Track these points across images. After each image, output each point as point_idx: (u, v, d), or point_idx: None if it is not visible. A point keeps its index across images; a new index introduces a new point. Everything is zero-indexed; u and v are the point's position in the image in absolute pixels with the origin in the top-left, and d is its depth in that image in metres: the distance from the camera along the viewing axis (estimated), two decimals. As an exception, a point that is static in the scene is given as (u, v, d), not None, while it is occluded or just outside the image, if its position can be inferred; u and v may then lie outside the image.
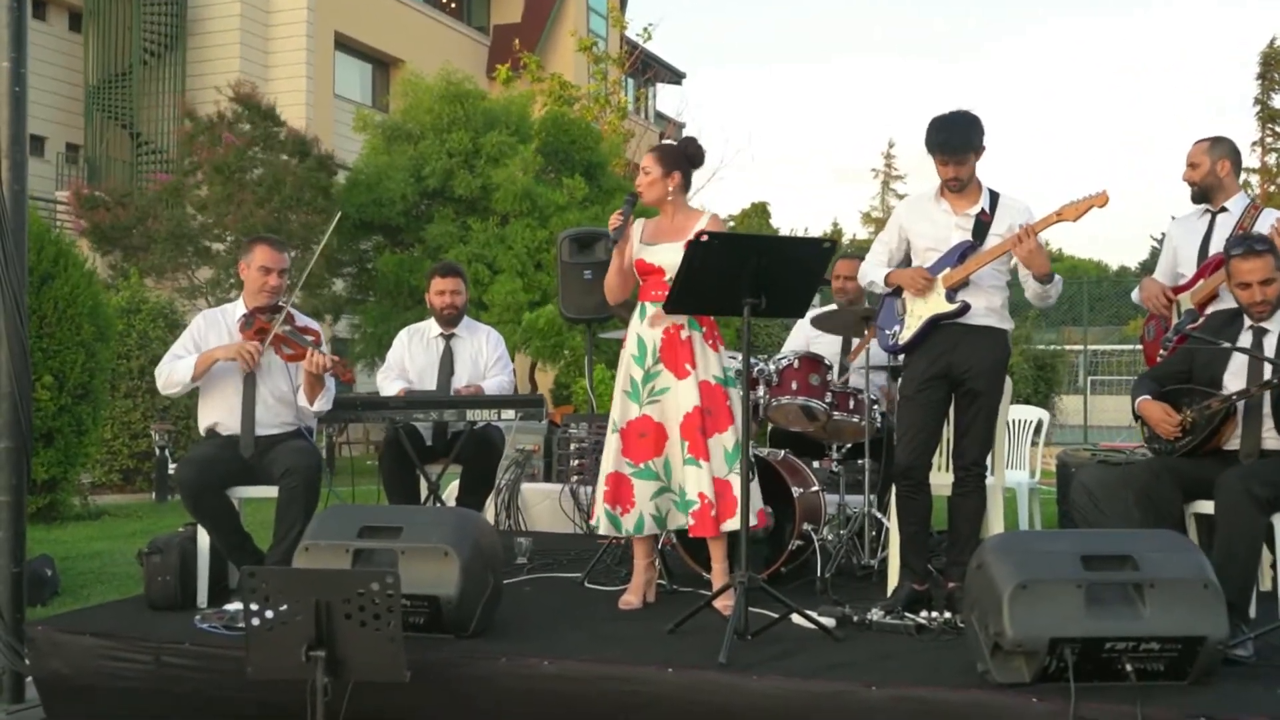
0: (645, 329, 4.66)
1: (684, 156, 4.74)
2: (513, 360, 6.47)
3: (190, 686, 4.07)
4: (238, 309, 5.15)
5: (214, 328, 5.13)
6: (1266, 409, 4.29)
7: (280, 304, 5.10)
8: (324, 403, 5.09)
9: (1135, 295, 5.44)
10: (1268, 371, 4.25)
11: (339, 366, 4.97)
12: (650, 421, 4.60)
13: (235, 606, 4.28)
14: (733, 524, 4.46)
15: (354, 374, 5.23)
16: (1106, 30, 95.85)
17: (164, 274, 14.68)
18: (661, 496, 4.61)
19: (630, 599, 4.73)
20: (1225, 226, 5.03)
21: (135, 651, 4.16)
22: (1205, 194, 5.13)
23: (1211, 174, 5.09)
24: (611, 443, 4.68)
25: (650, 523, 4.62)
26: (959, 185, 4.58)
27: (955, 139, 4.52)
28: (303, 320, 5.18)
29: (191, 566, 4.78)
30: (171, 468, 10.78)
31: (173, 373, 5.02)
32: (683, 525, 4.60)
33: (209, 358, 4.99)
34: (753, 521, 4.45)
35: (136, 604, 4.82)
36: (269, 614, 3.35)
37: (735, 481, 4.47)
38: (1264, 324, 4.39)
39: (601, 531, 4.76)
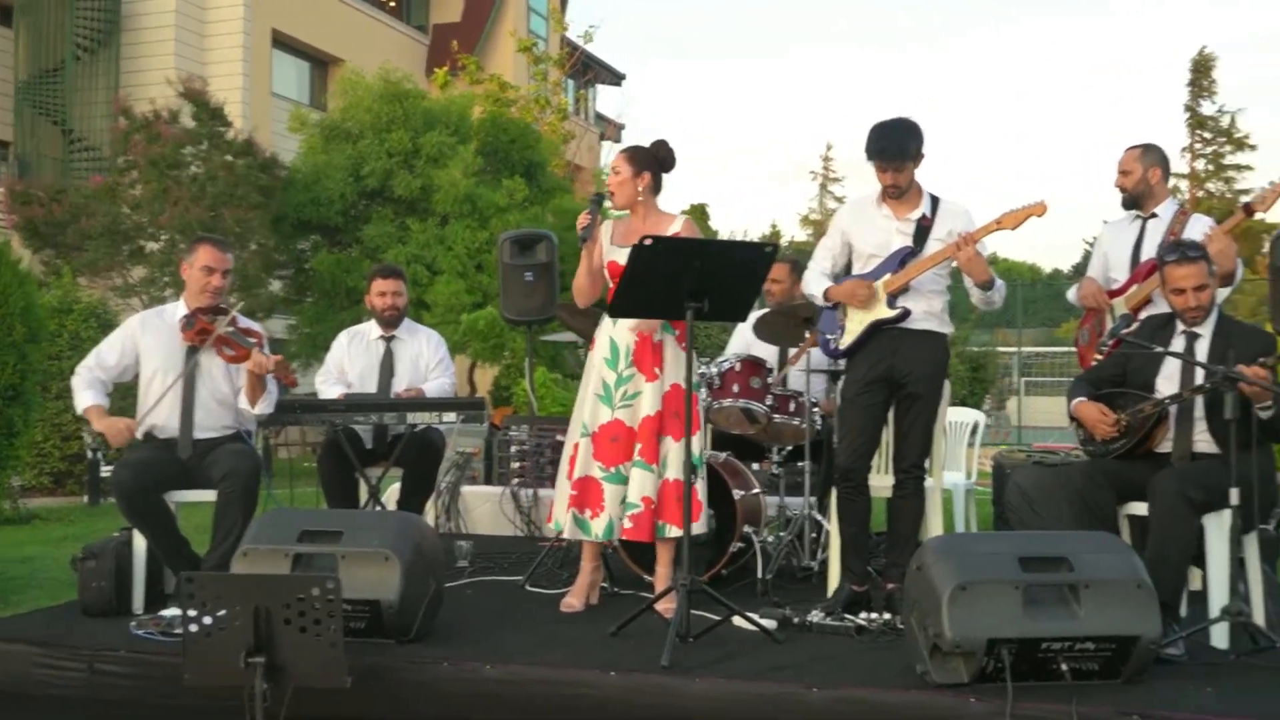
0: (618, 332, 4.65)
1: (654, 158, 4.73)
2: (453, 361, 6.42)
3: (125, 695, 4.01)
4: (178, 310, 5.07)
5: (151, 331, 5.04)
6: (1199, 413, 4.37)
7: (223, 305, 5.04)
8: (266, 406, 5.04)
9: (1071, 294, 5.51)
10: (1199, 376, 4.33)
11: (282, 369, 4.92)
12: (622, 426, 4.60)
13: (172, 612, 4.24)
14: (696, 528, 4.49)
15: (296, 377, 5.17)
16: (1077, 30, 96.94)
17: (98, 272, 14.42)
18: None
19: (572, 601, 4.72)
20: (1156, 232, 5.13)
21: (68, 659, 4.09)
22: (1136, 200, 5.23)
23: (1143, 181, 5.20)
24: (581, 446, 4.64)
25: (618, 526, 4.60)
26: (898, 192, 4.63)
27: (893, 147, 4.57)
28: (245, 322, 5.11)
29: (127, 572, 4.72)
30: (104, 470, 10.60)
31: (77, 393, 4.97)
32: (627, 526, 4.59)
33: (88, 415, 4.95)
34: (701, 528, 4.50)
35: (69, 610, 4.75)
36: (207, 620, 3.31)
37: (700, 487, 4.51)
38: (1196, 329, 4.46)
39: (567, 535, 4.70)
